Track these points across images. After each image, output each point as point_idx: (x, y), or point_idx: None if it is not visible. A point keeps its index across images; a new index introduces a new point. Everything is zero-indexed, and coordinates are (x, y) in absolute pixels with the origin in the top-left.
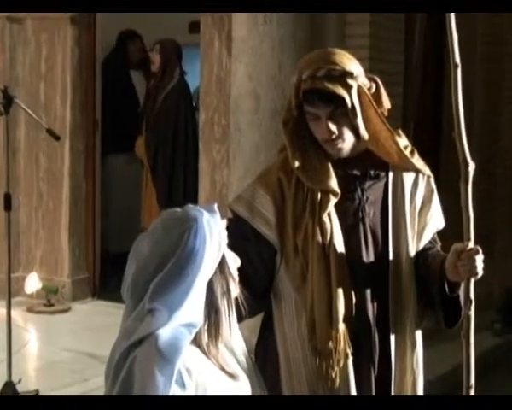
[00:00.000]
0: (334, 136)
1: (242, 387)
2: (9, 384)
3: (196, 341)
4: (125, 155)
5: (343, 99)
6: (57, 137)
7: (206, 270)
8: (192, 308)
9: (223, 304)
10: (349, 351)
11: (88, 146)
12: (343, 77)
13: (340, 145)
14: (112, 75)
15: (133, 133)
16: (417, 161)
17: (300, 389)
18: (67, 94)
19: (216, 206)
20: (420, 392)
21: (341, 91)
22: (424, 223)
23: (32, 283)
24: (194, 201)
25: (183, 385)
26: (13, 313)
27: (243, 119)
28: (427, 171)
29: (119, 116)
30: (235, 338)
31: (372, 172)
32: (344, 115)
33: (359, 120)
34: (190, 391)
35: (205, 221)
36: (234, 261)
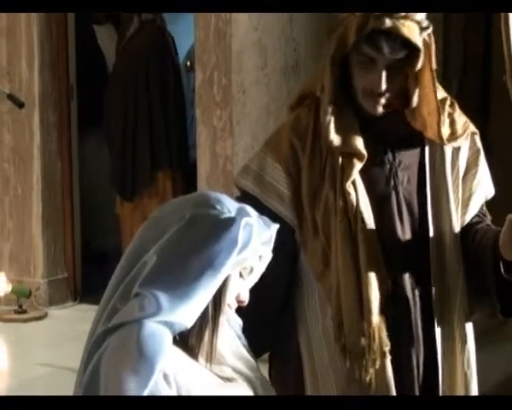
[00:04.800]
0: (383, 89)
1: (239, 391)
2: None
3: (179, 339)
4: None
5: (415, 51)
6: (21, 104)
7: (223, 274)
8: (189, 314)
9: (212, 319)
10: (386, 349)
11: (62, 117)
12: (420, 23)
13: (382, 102)
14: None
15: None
16: (459, 116)
17: None
18: (34, 54)
19: (275, 230)
20: None
21: (419, 42)
22: (470, 191)
23: (0, 285)
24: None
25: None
26: None
27: (248, 77)
28: (471, 127)
29: (91, 82)
30: (226, 340)
31: (405, 131)
32: (402, 70)
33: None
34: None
35: (255, 226)
36: (243, 295)
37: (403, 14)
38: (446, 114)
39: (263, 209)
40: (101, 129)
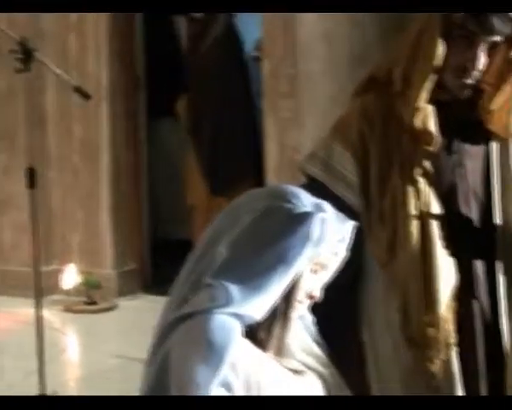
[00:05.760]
0: (480, 68)
1: (308, 383)
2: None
3: (248, 331)
4: (173, 119)
5: None
6: (87, 96)
7: (296, 269)
8: (259, 307)
9: (281, 316)
10: (451, 341)
11: (129, 109)
12: None
13: (470, 83)
14: (151, 17)
15: (178, 92)
16: None
17: (392, 388)
18: (102, 47)
19: (351, 227)
20: None
21: None
22: None
23: (70, 277)
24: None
25: (227, 385)
26: (47, 313)
27: (315, 67)
28: None
29: (162, 71)
30: (296, 336)
31: (473, 119)
32: (497, 56)
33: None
34: (237, 390)
35: (331, 222)
36: (315, 292)
37: None
38: None
39: (330, 196)
40: (170, 118)
